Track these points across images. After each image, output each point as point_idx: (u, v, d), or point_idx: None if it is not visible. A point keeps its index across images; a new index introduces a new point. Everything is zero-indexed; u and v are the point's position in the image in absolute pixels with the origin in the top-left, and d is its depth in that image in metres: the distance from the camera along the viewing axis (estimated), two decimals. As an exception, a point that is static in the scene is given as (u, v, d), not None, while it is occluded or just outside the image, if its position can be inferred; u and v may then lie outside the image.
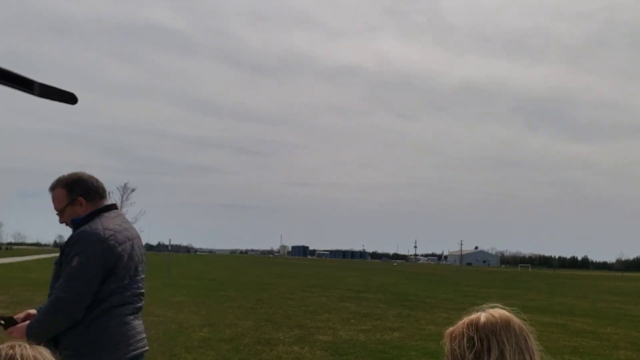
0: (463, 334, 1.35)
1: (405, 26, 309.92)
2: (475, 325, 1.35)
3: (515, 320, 1.39)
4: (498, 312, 1.39)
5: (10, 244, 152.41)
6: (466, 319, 1.39)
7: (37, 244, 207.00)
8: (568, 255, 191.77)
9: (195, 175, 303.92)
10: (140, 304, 2.80)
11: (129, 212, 23.59)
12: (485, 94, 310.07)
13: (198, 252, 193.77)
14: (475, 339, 1.33)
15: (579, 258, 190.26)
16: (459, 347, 1.33)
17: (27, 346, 1.16)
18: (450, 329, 1.41)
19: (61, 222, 2.78)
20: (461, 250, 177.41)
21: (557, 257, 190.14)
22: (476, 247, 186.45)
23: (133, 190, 22.19)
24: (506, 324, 1.35)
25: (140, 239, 2.87)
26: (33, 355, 1.15)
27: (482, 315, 1.37)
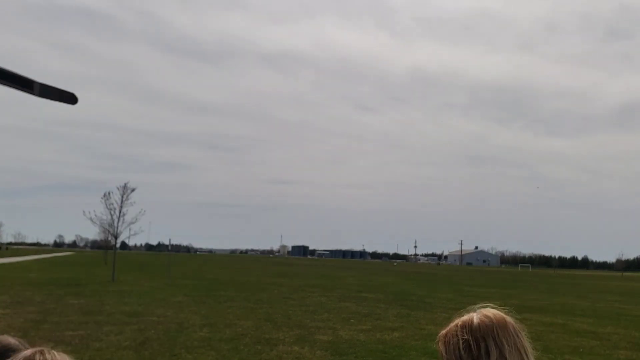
0: (457, 337, 1.30)
1: (345, 9, 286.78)
2: (469, 328, 1.30)
3: (510, 319, 1.33)
4: (491, 312, 1.34)
5: (10, 243, 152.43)
6: (458, 321, 1.34)
7: (37, 244, 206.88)
8: (568, 255, 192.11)
9: (164, 172, 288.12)
10: None
11: (129, 211, 23.61)
12: (441, 83, 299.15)
13: (198, 252, 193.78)
14: (471, 341, 1.28)
15: (579, 258, 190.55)
16: (455, 351, 1.29)
17: (55, 353, 1.14)
18: (443, 331, 1.36)
19: None
20: (461, 250, 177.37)
21: (557, 257, 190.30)
22: (476, 247, 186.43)
23: (133, 190, 22.28)
24: (503, 325, 1.31)
25: None
26: None
27: (475, 317, 1.32)
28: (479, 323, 1.30)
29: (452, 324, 1.34)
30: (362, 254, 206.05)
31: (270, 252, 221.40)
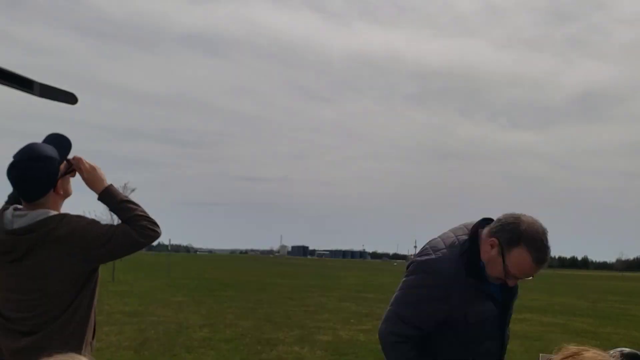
0: None
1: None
2: None
3: None
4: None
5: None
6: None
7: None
8: (568, 255, 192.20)
9: (132, 168, 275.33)
10: None
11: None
12: (387, 69, 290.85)
13: (198, 252, 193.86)
14: None
15: (579, 258, 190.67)
16: None
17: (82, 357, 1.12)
18: None
19: None
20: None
21: (557, 257, 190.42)
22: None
23: (133, 190, 22.24)
24: None
25: None
26: None
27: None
28: None
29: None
30: (362, 254, 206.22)
31: (270, 252, 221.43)
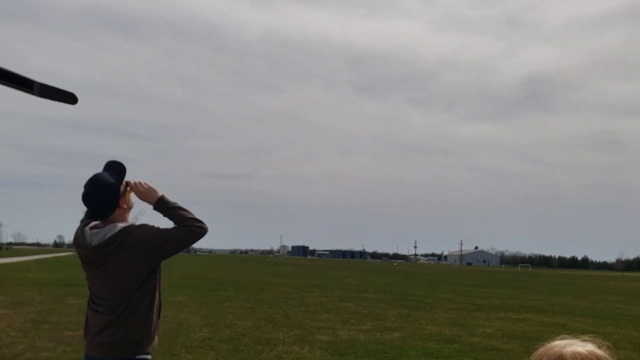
0: None
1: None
2: None
3: None
4: (587, 349, 1.10)
5: (10, 243, 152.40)
6: (548, 352, 1.12)
7: (37, 244, 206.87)
8: (568, 255, 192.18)
9: (86, 165, 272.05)
10: None
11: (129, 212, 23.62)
12: (323, 54, 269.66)
13: (198, 252, 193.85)
14: None
15: (579, 258, 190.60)
16: None
17: None
18: None
19: None
20: (461, 250, 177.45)
21: (557, 257, 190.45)
22: (476, 247, 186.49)
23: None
24: None
25: None
26: None
27: (566, 352, 1.09)
28: None
29: (538, 354, 1.14)
30: (362, 254, 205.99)
31: (270, 252, 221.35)
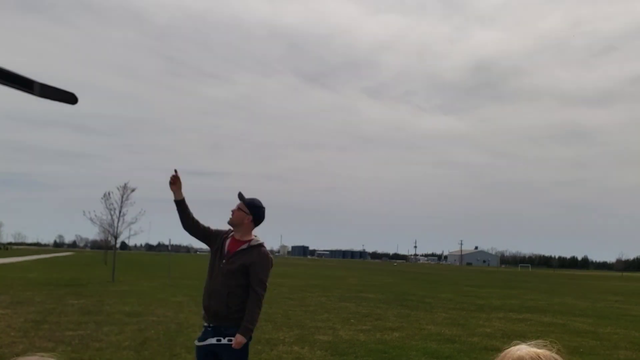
0: None
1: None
2: None
3: None
4: (538, 353, 1.14)
5: (10, 243, 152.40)
6: (506, 356, 1.14)
7: (37, 244, 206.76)
8: (568, 255, 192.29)
9: (67, 162, 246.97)
10: None
11: (130, 212, 23.67)
12: (252, 35, 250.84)
13: (198, 252, 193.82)
14: None
15: (579, 258, 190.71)
16: None
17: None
18: None
19: None
20: (461, 250, 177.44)
21: (557, 257, 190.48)
22: (476, 247, 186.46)
23: (133, 190, 22.25)
24: None
25: None
26: None
27: (523, 354, 1.13)
28: None
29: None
30: (362, 254, 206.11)
31: (270, 252, 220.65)
